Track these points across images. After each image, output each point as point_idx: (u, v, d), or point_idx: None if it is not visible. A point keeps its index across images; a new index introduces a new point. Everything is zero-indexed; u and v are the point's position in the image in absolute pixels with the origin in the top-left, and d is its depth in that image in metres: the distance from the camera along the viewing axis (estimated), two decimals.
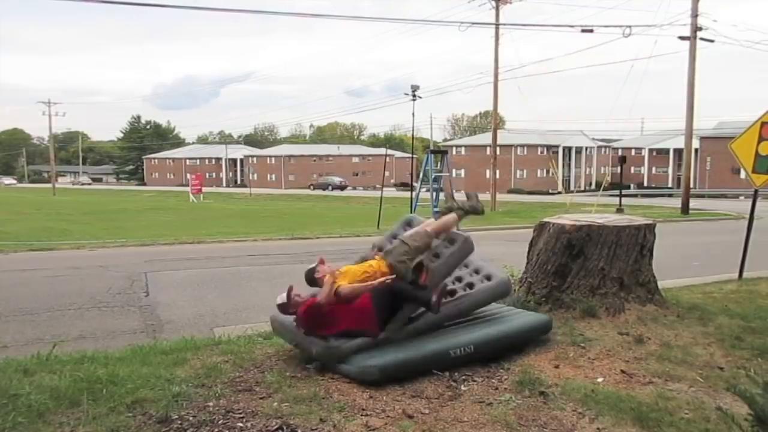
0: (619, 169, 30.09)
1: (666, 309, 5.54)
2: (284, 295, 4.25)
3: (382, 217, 18.66)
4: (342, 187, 64.63)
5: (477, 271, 5.04)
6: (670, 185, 63.39)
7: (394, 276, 4.33)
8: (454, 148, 68.86)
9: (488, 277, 4.90)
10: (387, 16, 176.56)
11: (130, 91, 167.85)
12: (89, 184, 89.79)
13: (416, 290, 4.39)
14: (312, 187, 67.40)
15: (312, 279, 4.39)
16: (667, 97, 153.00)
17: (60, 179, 79.31)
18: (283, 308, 4.30)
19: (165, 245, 14.07)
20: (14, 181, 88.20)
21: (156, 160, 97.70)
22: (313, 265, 4.41)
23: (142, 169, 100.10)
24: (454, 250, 4.74)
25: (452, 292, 4.83)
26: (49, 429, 3.20)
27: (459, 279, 5.04)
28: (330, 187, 64.11)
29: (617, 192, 27.24)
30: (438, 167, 11.56)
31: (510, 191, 56.58)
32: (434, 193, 11.00)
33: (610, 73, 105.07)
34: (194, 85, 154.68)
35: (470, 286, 4.87)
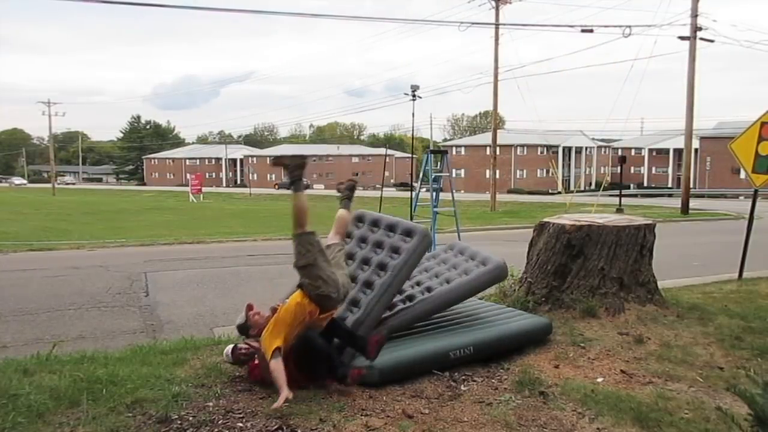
0: (619, 169, 30.16)
1: (666, 309, 5.54)
2: (229, 351, 4.01)
3: None
4: (305, 187, 66.18)
5: (473, 257, 5.07)
6: (669, 185, 63.40)
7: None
8: (454, 148, 68.86)
9: (484, 262, 4.92)
10: (387, 16, 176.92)
11: (130, 91, 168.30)
12: (73, 184, 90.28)
13: (333, 355, 3.83)
14: (276, 186, 69.97)
15: (247, 334, 4.06)
16: (667, 97, 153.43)
17: (59, 179, 79.72)
18: (233, 363, 4.07)
19: (165, 245, 14.07)
20: (24, 182, 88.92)
21: (156, 160, 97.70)
22: (244, 320, 4.02)
23: (142, 169, 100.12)
24: (412, 245, 4.42)
25: (429, 289, 4.77)
26: (48, 429, 3.20)
27: (455, 266, 5.07)
28: None
29: (617, 192, 27.26)
30: (438, 167, 11.56)
31: (510, 191, 56.60)
32: (434, 193, 11.00)
33: (610, 73, 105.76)
34: (194, 85, 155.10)
35: (467, 272, 4.88)
